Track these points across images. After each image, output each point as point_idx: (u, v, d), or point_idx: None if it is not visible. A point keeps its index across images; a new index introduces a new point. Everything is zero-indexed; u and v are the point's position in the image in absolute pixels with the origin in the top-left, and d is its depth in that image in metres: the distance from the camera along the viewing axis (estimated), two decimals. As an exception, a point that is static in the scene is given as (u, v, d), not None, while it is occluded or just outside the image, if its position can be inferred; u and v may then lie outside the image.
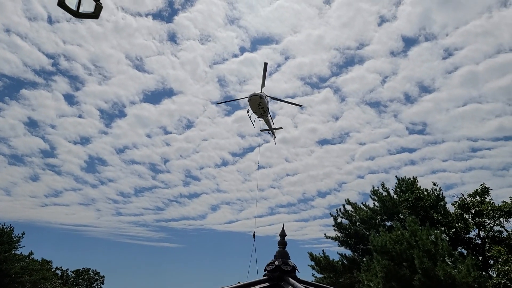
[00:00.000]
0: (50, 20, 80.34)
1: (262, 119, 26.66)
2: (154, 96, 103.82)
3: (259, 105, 24.19)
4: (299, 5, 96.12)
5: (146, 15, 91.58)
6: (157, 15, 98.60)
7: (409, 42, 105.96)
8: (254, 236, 19.14)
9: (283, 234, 16.34)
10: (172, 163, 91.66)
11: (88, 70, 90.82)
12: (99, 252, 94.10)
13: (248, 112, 26.02)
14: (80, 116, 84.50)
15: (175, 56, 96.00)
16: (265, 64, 24.75)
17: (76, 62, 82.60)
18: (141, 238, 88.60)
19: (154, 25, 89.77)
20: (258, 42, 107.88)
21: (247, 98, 24.60)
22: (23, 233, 39.54)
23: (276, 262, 15.67)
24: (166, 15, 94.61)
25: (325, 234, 27.04)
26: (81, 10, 2.90)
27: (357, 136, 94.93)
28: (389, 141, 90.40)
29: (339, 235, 25.71)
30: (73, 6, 2.86)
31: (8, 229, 38.04)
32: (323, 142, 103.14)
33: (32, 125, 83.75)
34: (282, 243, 16.19)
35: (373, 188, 25.52)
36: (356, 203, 26.10)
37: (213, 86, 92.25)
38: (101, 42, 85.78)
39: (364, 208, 25.68)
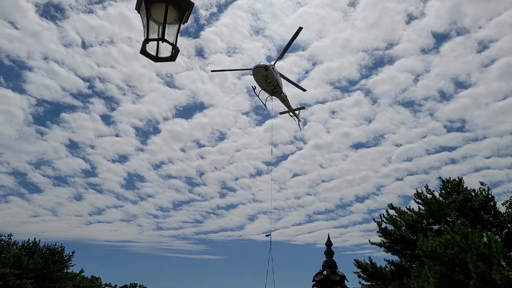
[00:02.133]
0: (84, 45, 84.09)
1: (273, 97, 22.83)
2: (186, 111, 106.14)
3: (265, 78, 20.49)
4: (323, 10, 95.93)
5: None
6: (184, 32, 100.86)
7: (440, 38, 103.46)
8: (270, 238, 17.82)
9: (329, 243, 16.22)
10: (208, 176, 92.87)
11: (122, 90, 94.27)
12: (143, 266, 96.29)
13: (254, 89, 22.18)
14: (117, 135, 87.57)
15: (204, 70, 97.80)
16: (300, 29, 19.95)
17: (110, 84, 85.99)
18: (182, 251, 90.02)
19: (182, 41, 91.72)
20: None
21: (251, 72, 20.77)
22: (73, 252, 41.06)
23: (325, 272, 15.57)
24: (192, 31, 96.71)
25: (369, 241, 26.60)
26: (160, 55, 3.19)
27: (392, 138, 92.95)
28: (426, 140, 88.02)
29: (384, 240, 25.22)
30: (153, 52, 3.15)
31: (59, 249, 39.65)
32: (357, 146, 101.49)
33: (73, 146, 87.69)
34: (329, 253, 16.08)
35: (417, 191, 24.93)
36: (399, 207, 25.59)
37: (242, 97, 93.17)
38: (132, 63, 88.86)
39: (409, 212, 25.12)
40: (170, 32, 3.14)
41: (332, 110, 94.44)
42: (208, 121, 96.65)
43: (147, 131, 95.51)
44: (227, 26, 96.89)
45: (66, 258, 40.21)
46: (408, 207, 25.69)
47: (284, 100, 24.03)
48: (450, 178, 25.08)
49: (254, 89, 22.35)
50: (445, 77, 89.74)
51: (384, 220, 25.52)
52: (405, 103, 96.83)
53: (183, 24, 3.18)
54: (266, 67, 20.35)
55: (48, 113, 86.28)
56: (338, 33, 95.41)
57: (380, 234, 25.49)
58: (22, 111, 73.06)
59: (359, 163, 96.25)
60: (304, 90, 25.19)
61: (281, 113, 26.40)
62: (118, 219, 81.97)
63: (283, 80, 22.61)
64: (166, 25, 3.06)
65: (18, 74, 76.21)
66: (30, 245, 38.83)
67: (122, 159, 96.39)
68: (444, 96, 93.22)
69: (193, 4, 3.06)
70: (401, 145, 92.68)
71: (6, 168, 69.17)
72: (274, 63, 21.49)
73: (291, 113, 25.82)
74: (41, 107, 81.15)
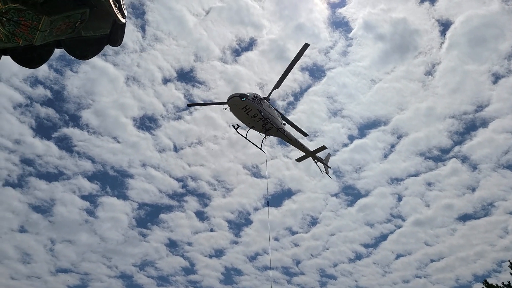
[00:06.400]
0: (175, 149, 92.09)
1: (268, 136, 17.38)
2: (275, 199, 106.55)
3: (246, 111, 15.78)
4: (399, 83, 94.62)
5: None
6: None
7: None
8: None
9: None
10: (304, 264, 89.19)
11: (212, 186, 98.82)
12: None
13: (237, 129, 17.22)
14: (211, 230, 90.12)
15: (287, 157, 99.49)
16: (305, 46, 16.21)
17: (201, 181, 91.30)
18: None
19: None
20: (365, 127, 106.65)
21: (227, 106, 16.43)
22: None
23: None
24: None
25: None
26: None
27: (504, 205, 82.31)
28: (547, 205, 76.35)
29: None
30: None
31: None
32: (464, 217, 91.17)
33: (172, 245, 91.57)
34: None
35: (510, 261, 21.24)
36: (496, 284, 21.83)
37: (329, 179, 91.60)
38: (219, 159, 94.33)
39: (509, 288, 21.29)
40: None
41: (427, 182, 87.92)
42: (297, 207, 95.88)
43: (239, 223, 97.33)
44: (305, 112, 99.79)
45: None
46: (507, 283, 21.84)
47: (291, 139, 18.88)
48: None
49: (236, 129, 17.22)
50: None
51: (479, 300, 21.77)
52: (511, 166, 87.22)
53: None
54: (242, 96, 16.10)
55: (149, 215, 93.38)
56: (419, 103, 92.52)
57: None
58: (126, 216, 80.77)
59: (470, 237, 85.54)
60: (306, 135, 20.24)
61: (298, 160, 21.47)
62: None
63: None
64: None
65: (121, 182, 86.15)
66: None
67: (218, 253, 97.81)
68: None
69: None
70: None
71: (114, 272, 74.97)
72: (269, 95, 17.70)
73: (315, 160, 20.76)
74: (142, 210, 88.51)
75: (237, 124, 17.15)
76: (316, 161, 20.74)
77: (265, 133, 17.61)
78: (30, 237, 74.12)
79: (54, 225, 76.05)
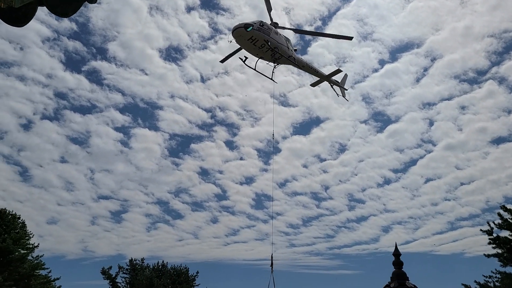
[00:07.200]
0: (202, 79, 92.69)
1: (278, 64, 16.84)
2: (303, 127, 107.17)
3: (253, 41, 15.32)
4: (435, 1, 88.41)
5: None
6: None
7: None
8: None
9: (397, 253, 15.01)
10: (333, 189, 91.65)
11: (240, 116, 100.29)
12: (282, 284, 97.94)
13: (244, 61, 16.91)
14: (241, 159, 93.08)
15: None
16: None
17: (229, 111, 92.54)
18: (317, 267, 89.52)
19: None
20: (397, 51, 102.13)
21: (232, 37, 15.48)
22: (197, 272, 44.45)
23: (392, 285, 14.43)
24: (299, 48, 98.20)
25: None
26: None
27: (541, 127, 79.72)
28: None
29: (499, 251, 21.82)
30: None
31: (184, 270, 43.37)
32: (497, 141, 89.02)
33: (204, 173, 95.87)
34: (398, 263, 14.89)
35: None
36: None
37: (358, 106, 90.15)
38: (246, 88, 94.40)
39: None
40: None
41: (461, 105, 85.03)
42: (326, 134, 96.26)
43: (268, 151, 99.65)
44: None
45: (191, 278, 43.77)
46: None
47: (303, 65, 18.56)
48: None
49: (244, 61, 16.98)
50: None
51: (496, 226, 22.14)
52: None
53: None
54: (247, 26, 15.18)
55: (180, 145, 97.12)
56: (456, 22, 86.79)
57: (494, 245, 22.09)
58: (158, 146, 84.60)
59: (503, 160, 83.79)
60: (350, 38, 19.27)
61: (313, 85, 21.23)
62: (252, 239, 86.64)
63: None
64: None
65: (151, 114, 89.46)
66: (160, 267, 43.31)
67: (249, 180, 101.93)
68: None
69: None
70: (554, 135, 79.03)
71: (151, 199, 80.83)
72: (271, 20, 16.93)
73: (331, 84, 20.48)
74: (173, 140, 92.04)
75: (244, 56, 16.76)
76: (331, 84, 20.54)
77: (275, 62, 17.17)
78: (71, 167, 79.22)
79: (92, 156, 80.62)
